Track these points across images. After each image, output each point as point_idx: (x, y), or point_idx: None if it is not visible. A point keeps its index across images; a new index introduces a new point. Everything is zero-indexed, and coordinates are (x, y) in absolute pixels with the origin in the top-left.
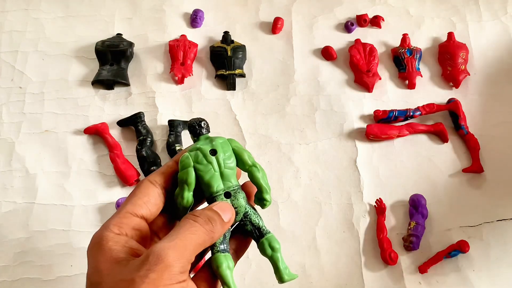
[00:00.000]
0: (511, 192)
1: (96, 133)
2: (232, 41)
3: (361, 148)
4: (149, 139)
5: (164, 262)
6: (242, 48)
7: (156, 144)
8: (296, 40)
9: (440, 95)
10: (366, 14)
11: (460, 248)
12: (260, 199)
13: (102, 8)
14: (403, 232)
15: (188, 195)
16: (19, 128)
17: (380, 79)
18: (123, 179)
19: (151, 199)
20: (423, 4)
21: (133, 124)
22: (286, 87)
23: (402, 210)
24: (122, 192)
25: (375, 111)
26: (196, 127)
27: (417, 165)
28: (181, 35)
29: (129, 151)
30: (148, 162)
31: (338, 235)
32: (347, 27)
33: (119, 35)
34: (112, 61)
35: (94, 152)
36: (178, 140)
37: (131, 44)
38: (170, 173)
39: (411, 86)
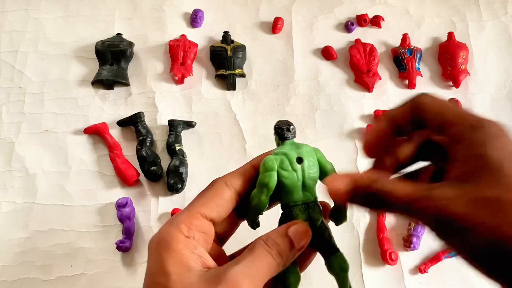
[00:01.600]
0: None
1: (96, 133)
2: (232, 41)
3: (361, 148)
4: (149, 139)
5: None
6: (242, 48)
7: (156, 144)
8: (296, 40)
9: (440, 95)
10: (366, 14)
11: None
12: (337, 216)
13: (102, 8)
14: (403, 232)
15: (266, 199)
16: (19, 128)
17: (380, 79)
18: (123, 179)
19: (224, 203)
20: (423, 4)
21: (133, 124)
22: (286, 87)
23: None
24: (122, 192)
25: (375, 111)
26: (284, 131)
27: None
28: (181, 35)
29: (129, 151)
30: (148, 162)
31: (338, 235)
32: (347, 27)
33: (119, 35)
34: (112, 61)
35: (94, 152)
36: (178, 140)
37: (131, 44)
38: (247, 177)
39: (411, 86)
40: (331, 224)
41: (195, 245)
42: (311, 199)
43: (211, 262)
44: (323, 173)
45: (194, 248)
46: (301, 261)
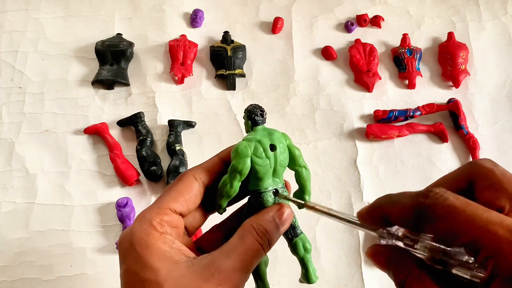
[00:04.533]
0: None
1: (96, 133)
2: (232, 41)
3: (361, 148)
4: (149, 139)
5: (233, 282)
6: (242, 48)
7: (156, 144)
8: (296, 40)
9: (440, 95)
10: (366, 14)
11: None
12: (299, 199)
13: (102, 8)
14: None
15: (237, 185)
16: (19, 128)
17: (380, 79)
18: (123, 179)
19: (192, 197)
20: (423, 4)
21: (133, 124)
22: (286, 87)
23: None
24: (122, 192)
25: (375, 111)
26: (258, 116)
27: (417, 165)
28: (181, 35)
29: (129, 151)
30: (148, 162)
31: (338, 235)
32: (347, 27)
33: (119, 35)
34: (112, 61)
35: (94, 152)
36: (178, 140)
37: (131, 44)
38: (215, 171)
39: (411, 86)
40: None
41: (172, 240)
42: (279, 184)
43: (191, 254)
44: (291, 159)
45: (172, 243)
46: None
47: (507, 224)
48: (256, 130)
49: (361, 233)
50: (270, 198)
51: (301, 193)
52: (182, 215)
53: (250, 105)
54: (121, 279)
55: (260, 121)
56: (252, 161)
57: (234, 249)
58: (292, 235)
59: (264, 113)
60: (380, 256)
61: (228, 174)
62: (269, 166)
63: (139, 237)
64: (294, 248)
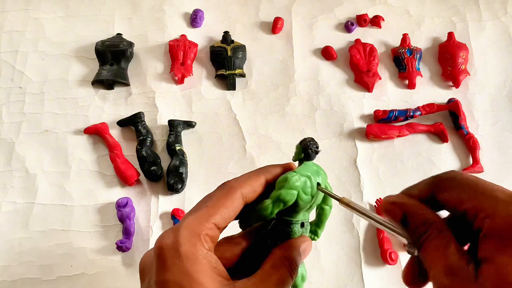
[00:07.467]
0: None
1: (96, 133)
2: (232, 41)
3: (361, 148)
4: (149, 139)
5: None
6: (242, 48)
7: (156, 144)
8: (296, 40)
9: (440, 95)
10: (366, 14)
11: None
12: (313, 233)
13: (102, 8)
14: None
15: (276, 212)
16: (19, 128)
17: (380, 79)
18: (123, 179)
19: (233, 214)
20: (423, 4)
21: (133, 124)
22: (286, 87)
23: None
24: (122, 192)
25: (375, 111)
26: (313, 153)
27: (417, 165)
28: (181, 35)
29: (129, 151)
30: (148, 162)
31: (338, 235)
32: (347, 27)
33: (119, 35)
34: (112, 61)
35: (94, 152)
36: (178, 140)
37: (131, 44)
38: (259, 192)
39: (411, 86)
40: None
41: (215, 259)
42: (307, 219)
43: (227, 275)
44: (325, 201)
45: (214, 262)
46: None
47: (508, 192)
48: (307, 165)
49: (361, 233)
50: (297, 229)
51: (316, 227)
52: (219, 229)
53: (308, 137)
54: (157, 285)
55: (313, 157)
56: (297, 195)
57: (270, 278)
58: None
59: (319, 150)
60: (396, 207)
61: (272, 201)
62: (309, 203)
63: (189, 250)
64: None
